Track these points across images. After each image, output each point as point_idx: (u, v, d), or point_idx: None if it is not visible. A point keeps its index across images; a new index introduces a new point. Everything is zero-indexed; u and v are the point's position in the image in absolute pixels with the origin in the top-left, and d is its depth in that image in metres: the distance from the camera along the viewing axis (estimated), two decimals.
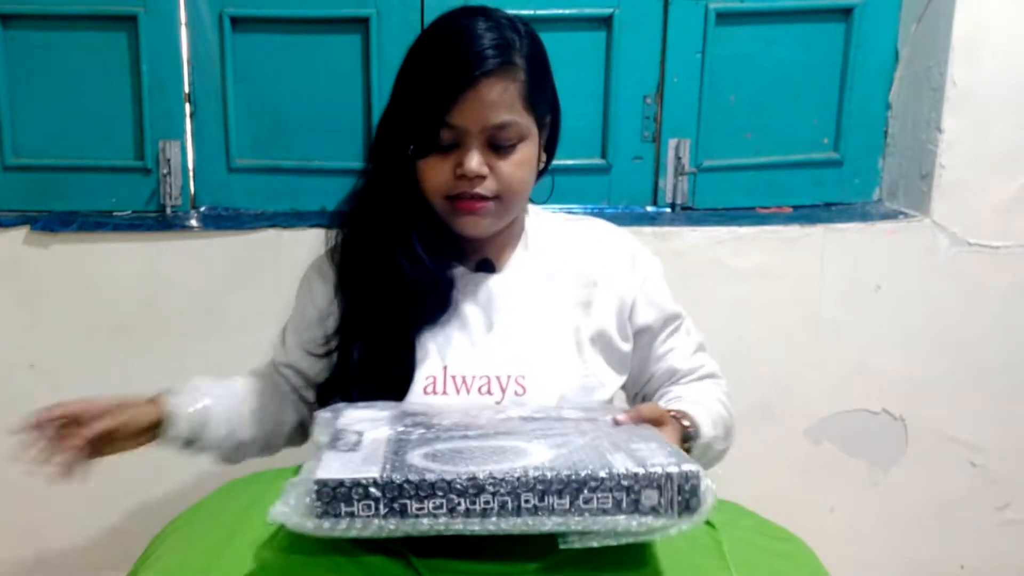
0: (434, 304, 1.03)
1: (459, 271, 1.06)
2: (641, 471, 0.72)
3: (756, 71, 1.62)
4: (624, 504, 0.72)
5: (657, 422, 0.90)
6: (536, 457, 0.75)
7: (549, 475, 0.72)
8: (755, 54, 1.62)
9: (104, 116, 1.56)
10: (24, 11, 1.52)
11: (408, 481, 0.71)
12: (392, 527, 0.71)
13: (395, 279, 1.02)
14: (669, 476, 0.72)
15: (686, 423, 0.97)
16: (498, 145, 0.98)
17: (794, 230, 1.59)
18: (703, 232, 1.57)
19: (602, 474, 0.72)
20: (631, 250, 1.12)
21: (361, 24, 1.55)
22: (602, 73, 1.59)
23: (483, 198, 0.99)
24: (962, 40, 1.53)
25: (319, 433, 0.84)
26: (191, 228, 1.54)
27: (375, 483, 0.71)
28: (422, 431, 0.83)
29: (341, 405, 0.92)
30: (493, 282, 1.06)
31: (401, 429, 0.83)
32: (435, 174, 0.99)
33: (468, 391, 1.01)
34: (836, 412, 1.66)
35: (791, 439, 1.66)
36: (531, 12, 1.52)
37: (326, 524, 0.71)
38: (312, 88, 1.57)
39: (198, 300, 1.55)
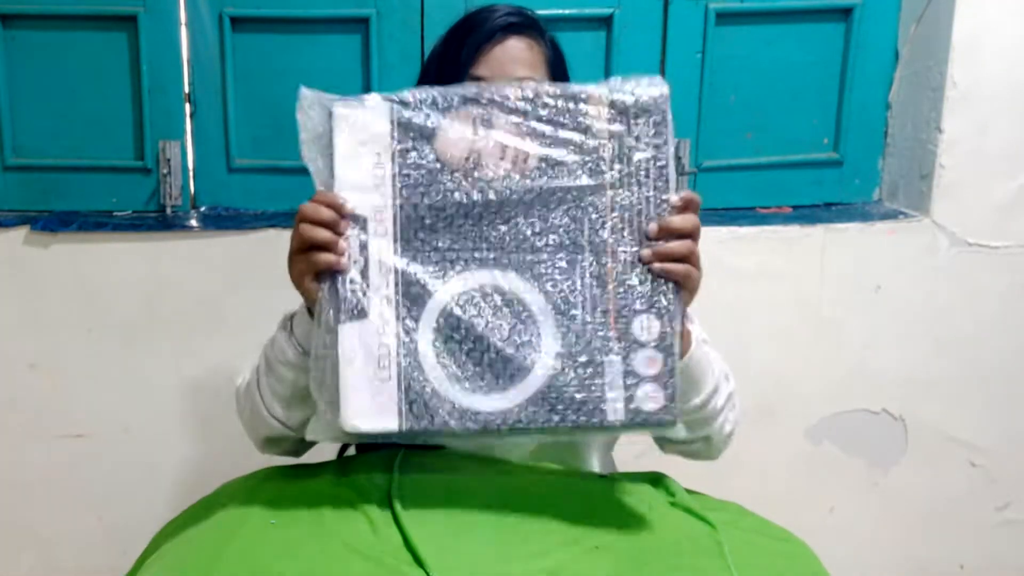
0: None
1: None
2: (627, 423, 0.80)
3: (756, 71, 1.62)
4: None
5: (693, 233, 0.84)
6: (543, 353, 0.80)
7: (547, 426, 0.80)
8: (755, 54, 1.62)
9: (104, 116, 1.56)
10: (24, 11, 1.52)
11: (423, 431, 0.81)
12: (407, 441, 0.84)
13: None
14: (650, 423, 0.81)
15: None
16: None
17: (794, 230, 1.59)
18: (703, 232, 1.56)
19: (592, 425, 0.80)
20: None
21: (361, 24, 1.55)
22: (602, 73, 1.59)
23: None
24: (962, 40, 1.53)
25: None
26: (191, 228, 1.54)
27: (396, 433, 0.81)
28: (427, 267, 0.81)
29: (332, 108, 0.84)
30: None
31: (403, 256, 0.82)
32: None
33: None
34: (836, 412, 1.67)
35: (791, 439, 1.66)
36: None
37: (351, 440, 0.88)
38: (312, 88, 1.57)
39: (198, 300, 1.55)
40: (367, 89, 1.56)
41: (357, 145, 0.82)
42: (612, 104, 0.82)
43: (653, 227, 0.81)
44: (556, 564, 0.79)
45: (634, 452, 1.58)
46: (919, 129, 1.61)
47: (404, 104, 0.82)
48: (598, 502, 0.89)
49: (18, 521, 1.62)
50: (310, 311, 0.89)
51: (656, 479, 0.98)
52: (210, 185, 1.60)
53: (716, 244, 1.57)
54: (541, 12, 1.57)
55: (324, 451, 1.09)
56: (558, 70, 1.05)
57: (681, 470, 1.03)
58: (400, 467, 0.91)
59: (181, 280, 1.55)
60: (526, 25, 1.02)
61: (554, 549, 0.81)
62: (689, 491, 0.97)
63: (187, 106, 1.56)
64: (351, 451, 1.11)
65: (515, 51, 1.00)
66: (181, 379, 1.58)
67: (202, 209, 1.60)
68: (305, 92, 0.84)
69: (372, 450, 1.00)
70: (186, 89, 1.56)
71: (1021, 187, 1.60)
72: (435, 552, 0.79)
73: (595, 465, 1.08)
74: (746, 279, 1.59)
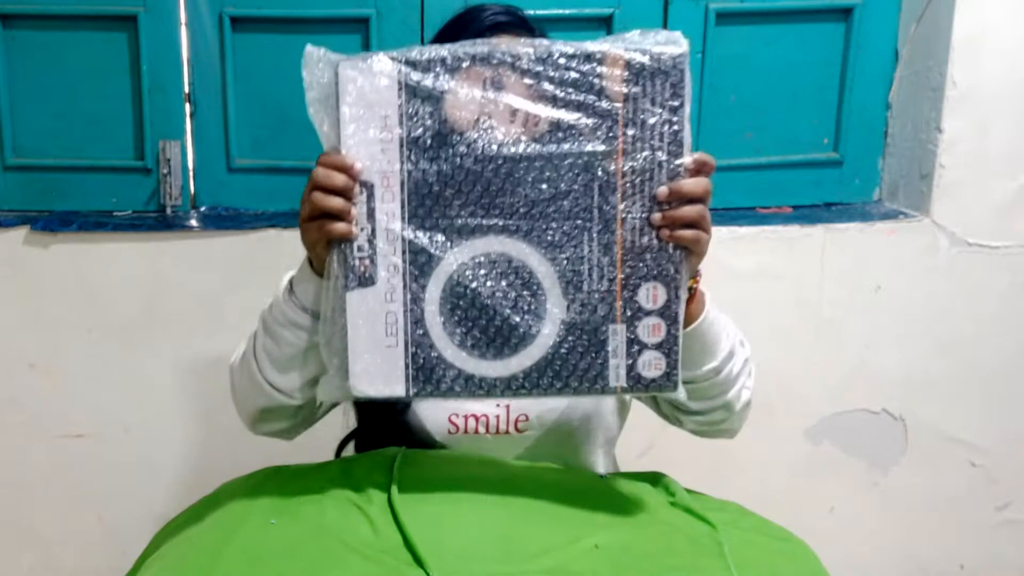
0: None
1: None
2: (628, 388, 0.82)
3: (756, 71, 1.62)
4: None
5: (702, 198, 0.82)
6: (548, 321, 0.81)
7: (548, 396, 0.83)
8: (755, 54, 1.62)
9: (104, 116, 1.56)
10: (24, 11, 1.52)
11: (429, 396, 0.83)
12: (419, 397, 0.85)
13: None
14: (651, 390, 0.83)
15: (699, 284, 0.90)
16: None
17: (794, 230, 1.59)
18: None
19: (594, 393, 0.84)
20: None
21: (361, 24, 1.55)
22: None
23: None
24: (962, 40, 1.53)
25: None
26: (191, 228, 1.54)
27: (405, 395, 0.83)
28: (433, 235, 0.81)
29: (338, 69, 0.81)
30: None
31: (411, 223, 0.81)
32: None
33: None
34: (836, 412, 1.67)
35: (791, 439, 1.66)
36: (531, 12, 1.52)
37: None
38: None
39: (198, 300, 1.55)
40: None
41: (364, 108, 0.80)
42: (628, 65, 0.80)
43: (663, 191, 0.80)
44: (556, 563, 0.79)
45: (634, 452, 1.58)
46: (919, 129, 1.61)
47: (412, 64, 0.80)
48: (598, 502, 0.89)
49: (18, 521, 1.62)
50: (316, 271, 0.89)
51: (656, 479, 0.98)
52: (210, 185, 1.60)
53: (716, 244, 1.53)
54: (541, 12, 1.58)
55: (324, 451, 1.09)
56: None
57: (681, 470, 1.03)
58: (400, 467, 0.91)
59: (181, 280, 1.55)
60: (514, 24, 1.02)
61: (554, 548, 0.81)
62: (689, 491, 0.97)
63: (187, 106, 1.56)
64: (351, 451, 1.11)
65: None
66: (181, 379, 1.58)
67: (202, 209, 1.60)
68: (310, 49, 0.81)
69: (372, 448, 1.00)
70: (186, 89, 1.56)
71: (1021, 187, 1.60)
72: (435, 552, 0.79)
73: (599, 462, 1.08)
74: (746, 279, 1.59)
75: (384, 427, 1.03)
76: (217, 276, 1.54)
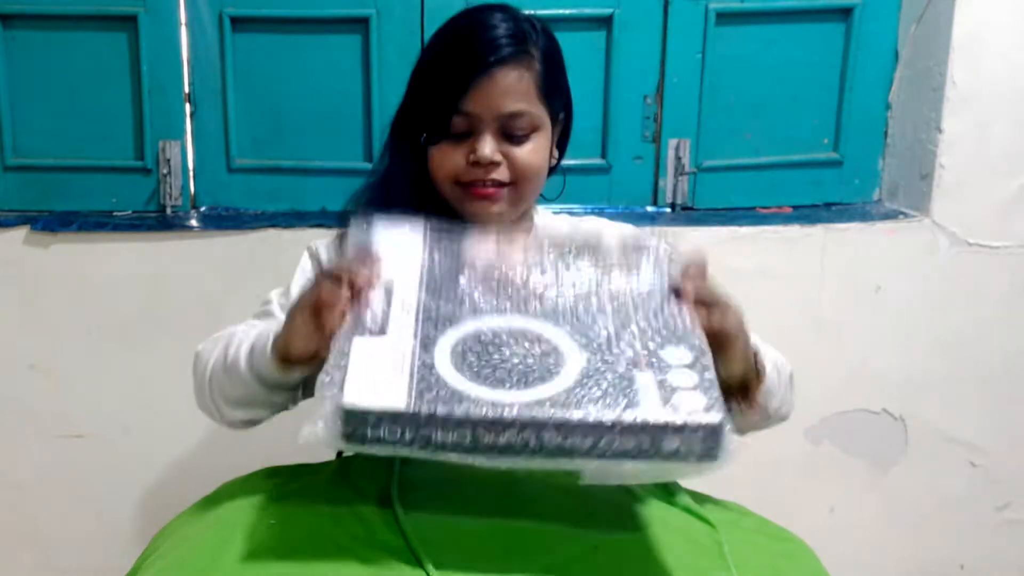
0: None
1: None
2: (666, 419, 0.72)
3: (756, 71, 1.62)
4: (645, 448, 0.71)
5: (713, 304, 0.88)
6: (568, 367, 0.77)
7: (575, 418, 0.71)
8: (755, 54, 1.62)
9: (104, 116, 1.56)
10: (24, 11, 1.52)
11: (435, 416, 0.72)
12: (416, 453, 0.72)
13: None
14: (693, 426, 0.73)
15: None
16: (511, 134, 0.99)
17: (794, 230, 1.59)
18: (703, 232, 1.57)
19: (626, 419, 0.71)
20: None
21: (361, 24, 1.55)
22: (602, 73, 1.59)
23: (497, 184, 0.99)
24: (962, 40, 1.53)
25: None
26: (191, 228, 1.54)
27: (403, 415, 0.72)
28: (450, 306, 0.82)
29: (375, 221, 0.88)
30: None
31: (428, 300, 0.82)
32: (447, 160, 0.99)
33: None
34: (836, 412, 1.66)
35: (791, 439, 1.66)
36: (531, 12, 1.52)
37: (352, 445, 0.73)
38: (312, 88, 1.57)
39: (198, 300, 1.55)
40: (367, 88, 1.56)
41: (391, 247, 0.86)
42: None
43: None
44: (555, 563, 0.79)
45: None
46: (919, 129, 1.61)
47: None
48: (598, 502, 0.89)
49: (18, 521, 1.62)
50: (295, 356, 0.86)
51: None
52: (210, 185, 1.60)
53: (716, 244, 1.57)
54: (541, 12, 1.58)
55: (323, 450, 1.09)
56: (551, 87, 1.02)
57: None
58: (400, 467, 0.91)
59: (181, 280, 1.55)
60: (515, 51, 0.99)
61: (554, 549, 0.81)
62: (689, 491, 0.97)
63: (187, 106, 1.56)
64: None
65: (504, 84, 0.97)
66: (181, 379, 1.57)
67: (202, 209, 1.60)
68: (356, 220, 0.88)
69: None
70: (186, 89, 1.56)
71: (1021, 187, 1.60)
72: (434, 552, 0.79)
73: None
74: (746, 279, 1.58)
75: None
76: (217, 276, 1.54)
